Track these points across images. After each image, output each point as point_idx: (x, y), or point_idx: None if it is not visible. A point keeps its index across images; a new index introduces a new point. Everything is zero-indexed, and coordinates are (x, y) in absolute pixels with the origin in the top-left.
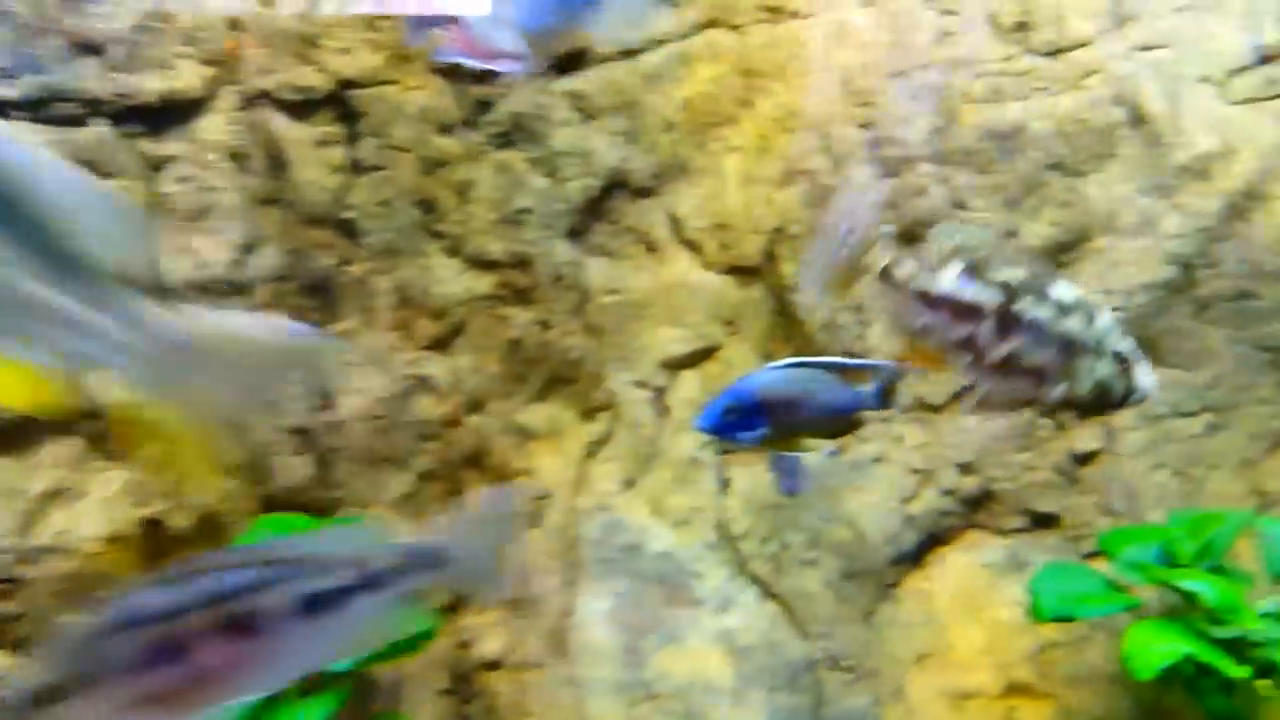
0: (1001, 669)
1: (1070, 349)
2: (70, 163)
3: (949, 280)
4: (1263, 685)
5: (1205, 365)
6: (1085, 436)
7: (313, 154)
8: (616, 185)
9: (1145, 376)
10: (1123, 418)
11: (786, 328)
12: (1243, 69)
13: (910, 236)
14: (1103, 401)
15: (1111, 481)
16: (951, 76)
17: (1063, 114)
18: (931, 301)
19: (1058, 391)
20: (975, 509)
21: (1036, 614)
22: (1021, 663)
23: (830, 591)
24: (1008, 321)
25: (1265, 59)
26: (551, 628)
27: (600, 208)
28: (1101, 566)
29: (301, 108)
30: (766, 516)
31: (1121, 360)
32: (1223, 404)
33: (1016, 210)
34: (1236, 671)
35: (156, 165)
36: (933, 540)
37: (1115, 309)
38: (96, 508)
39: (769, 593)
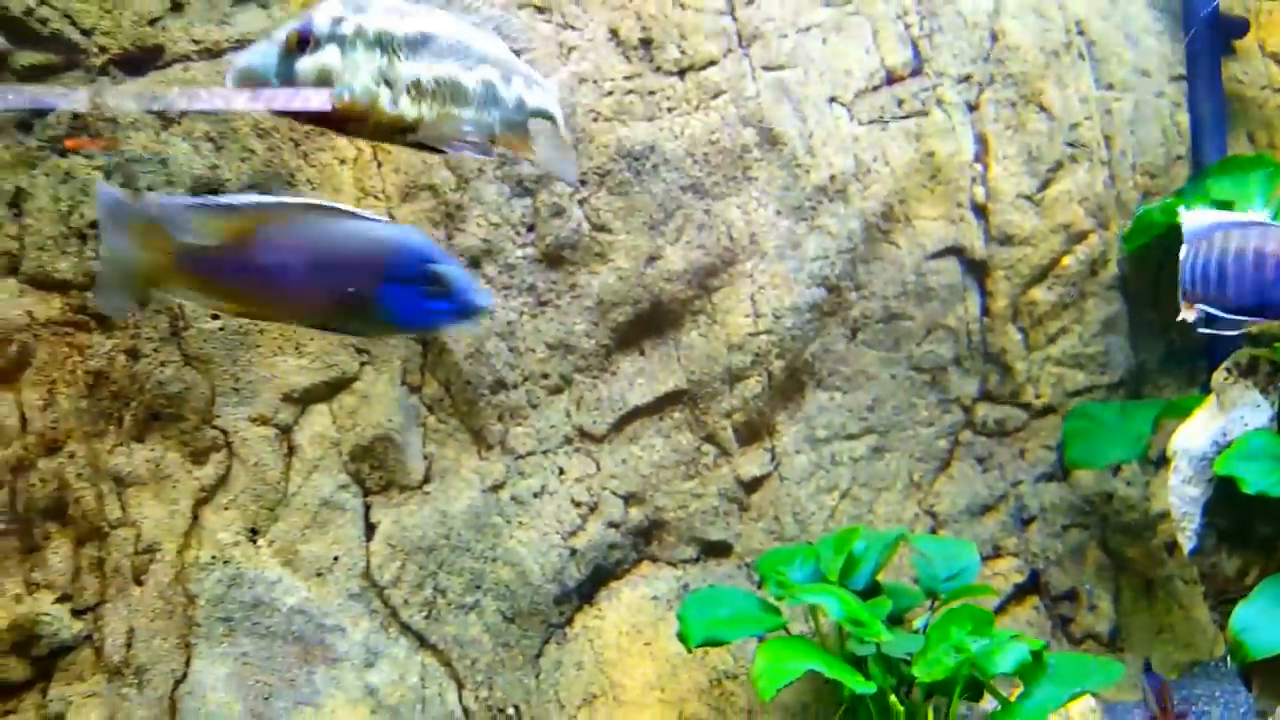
0: (674, 705)
1: None
2: None
3: None
4: (894, 702)
5: (864, 387)
6: (751, 462)
7: None
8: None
9: None
10: (785, 442)
11: (430, 356)
12: (870, 89)
13: (555, 259)
14: None
15: (779, 506)
16: (576, 94)
17: (694, 135)
18: None
19: None
20: (645, 540)
21: (685, 641)
22: (695, 697)
23: (491, 636)
24: None
25: (891, 79)
26: (161, 695)
27: None
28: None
29: None
30: (418, 560)
31: None
32: (885, 425)
33: (658, 234)
34: (862, 686)
35: None
36: (602, 574)
37: (768, 333)
38: None
39: (423, 643)
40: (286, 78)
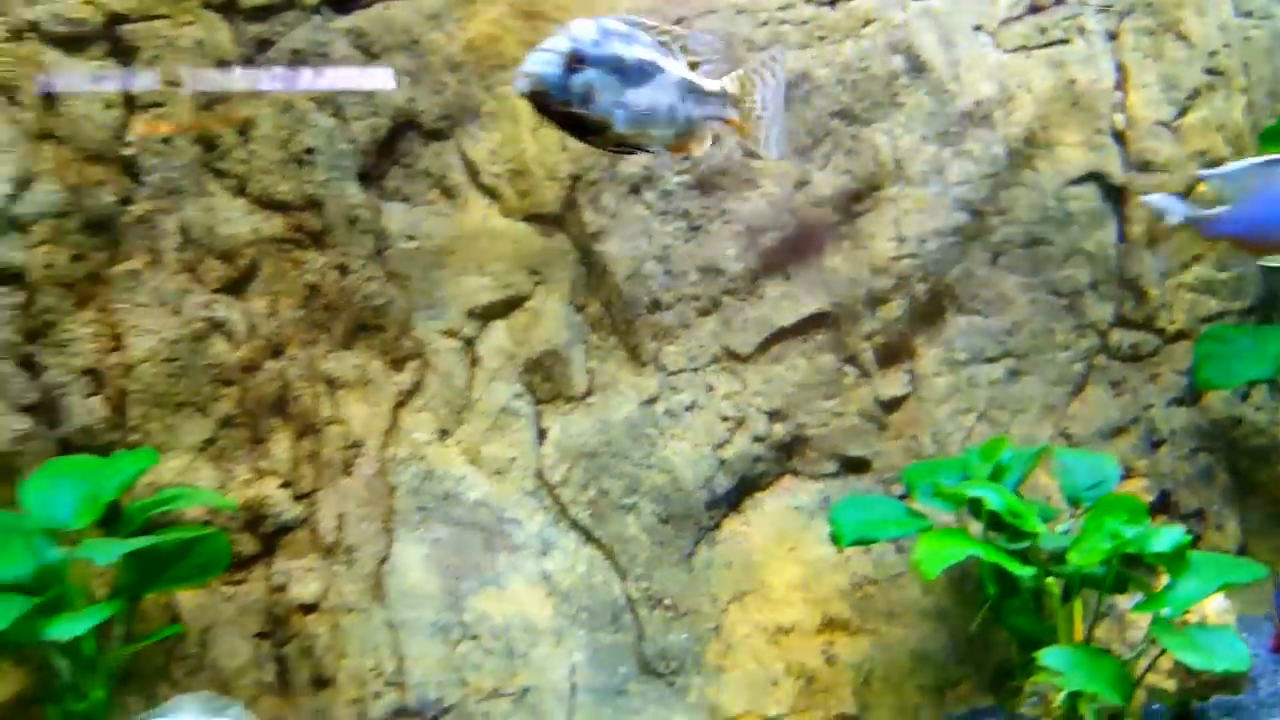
0: (817, 605)
1: None
2: None
3: None
4: (1051, 583)
5: (1003, 311)
6: (890, 383)
7: (87, 88)
8: (406, 126)
9: None
10: (924, 364)
11: (593, 278)
12: (1014, 17)
13: (708, 185)
14: None
15: (918, 426)
16: (734, 24)
17: (845, 62)
18: None
19: None
20: (788, 454)
21: (837, 540)
22: (837, 599)
23: (648, 535)
24: None
25: (1034, 8)
26: (368, 573)
27: (392, 150)
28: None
29: (72, 41)
30: (583, 464)
31: None
32: (1023, 349)
33: (807, 159)
34: (1022, 570)
35: None
36: (747, 485)
37: (911, 256)
38: None
39: (589, 537)
40: (563, 89)
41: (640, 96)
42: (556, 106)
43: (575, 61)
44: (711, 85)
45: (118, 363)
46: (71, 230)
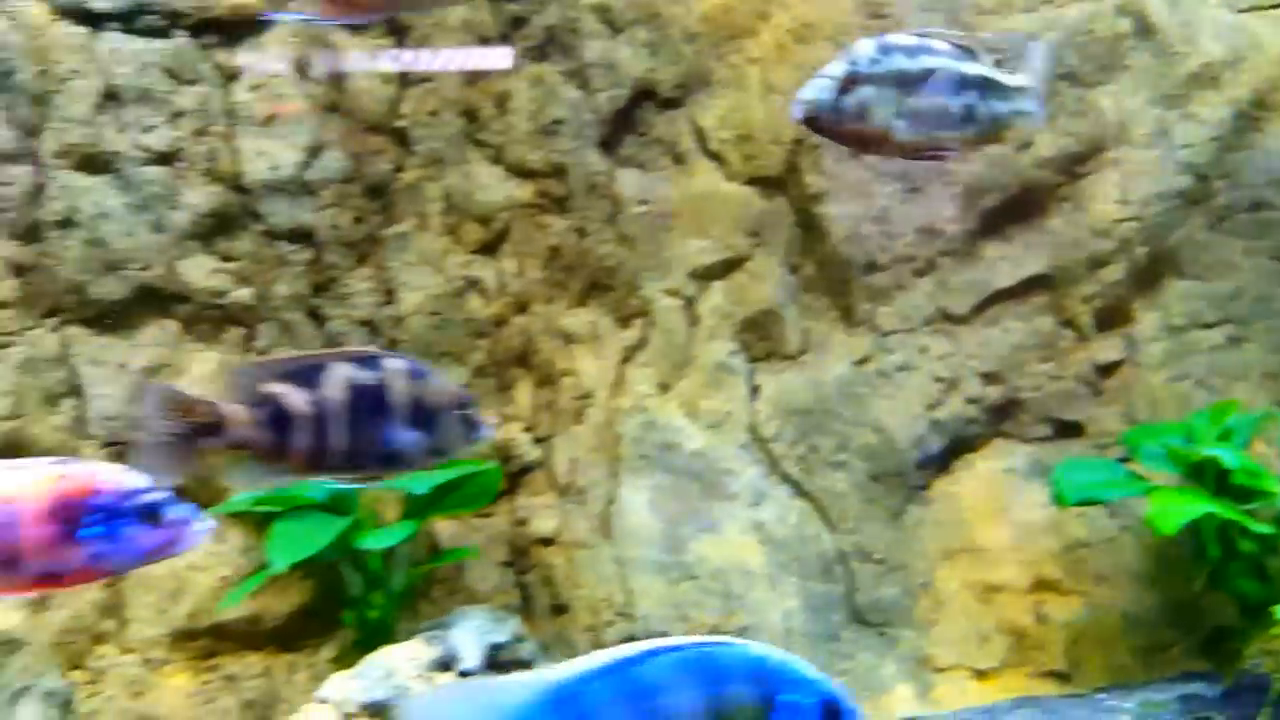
0: (1029, 565)
1: None
2: None
3: None
4: None
5: (1224, 276)
6: (1107, 347)
7: (368, 65)
8: (643, 96)
9: None
10: (1142, 328)
11: (809, 239)
12: None
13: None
14: None
15: (1134, 392)
16: None
17: (1072, 24)
18: None
19: None
20: (1001, 417)
21: (1060, 500)
22: (1049, 560)
23: (858, 492)
24: None
25: None
26: (598, 513)
27: (629, 119)
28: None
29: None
30: (795, 420)
31: None
32: (1243, 316)
33: None
34: (1260, 527)
35: (230, 75)
36: (959, 446)
37: (1133, 219)
38: (196, 384)
39: (799, 491)
40: (836, 110)
41: (924, 104)
42: (830, 126)
43: (849, 82)
44: (1014, 80)
45: (389, 315)
46: (353, 195)
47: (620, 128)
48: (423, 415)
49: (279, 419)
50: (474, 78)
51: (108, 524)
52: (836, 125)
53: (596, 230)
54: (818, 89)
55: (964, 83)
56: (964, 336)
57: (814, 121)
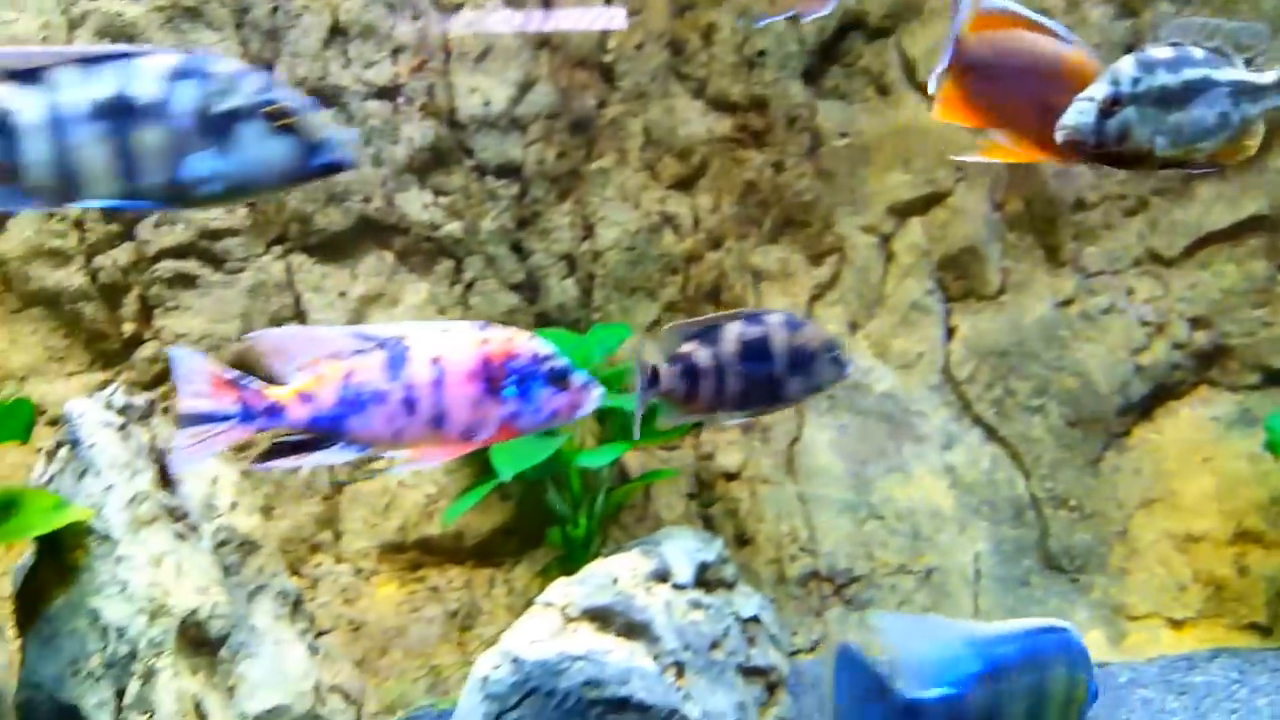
0: (1231, 516)
1: None
2: None
3: None
4: None
5: None
6: None
7: None
8: (852, 26)
9: None
10: None
11: (1017, 175)
12: None
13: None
14: None
15: None
16: None
17: None
18: None
19: None
20: (1208, 363)
21: (1274, 448)
22: (1253, 512)
23: (1054, 438)
24: None
25: None
26: (781, 450)
27: (835, 50)
28: None
29: None
30: (991, 363)
31: None
32: None
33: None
34: None
35: (447, 9)
36: (1163, 392)
37: None
38: (406, 314)
39: (993, 435)
40: (1099, 133)
41: (1184, 119)
42: (1092, 150)
43: (1111, 104)
44: (1265, 79)
45: (588, 250)
46: (559, 130)
47: (825, 59)
48: (800, 359)
49: (690, 372)
50: (680, 9)
51: (523, 385)
52: (1099, 149)
53: (794, 164)
54: (1079, 113)
55: (1222, 92)
56: (1173, 279)
57: (1077, 146)
